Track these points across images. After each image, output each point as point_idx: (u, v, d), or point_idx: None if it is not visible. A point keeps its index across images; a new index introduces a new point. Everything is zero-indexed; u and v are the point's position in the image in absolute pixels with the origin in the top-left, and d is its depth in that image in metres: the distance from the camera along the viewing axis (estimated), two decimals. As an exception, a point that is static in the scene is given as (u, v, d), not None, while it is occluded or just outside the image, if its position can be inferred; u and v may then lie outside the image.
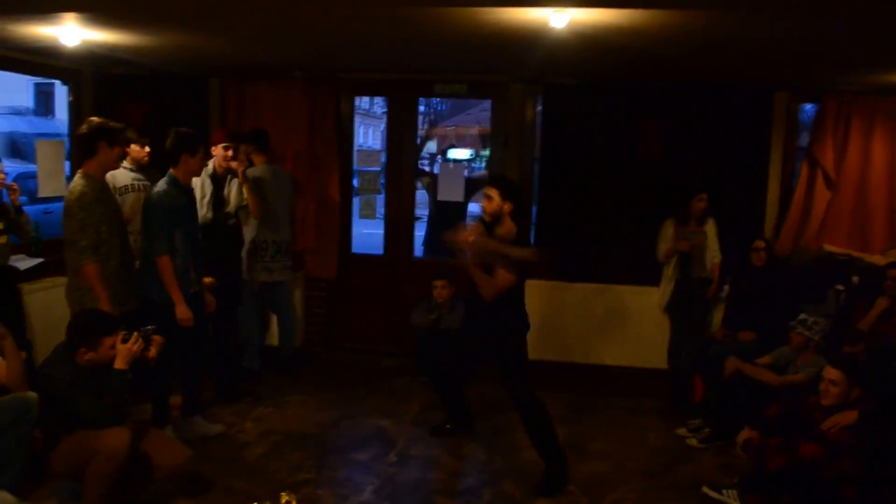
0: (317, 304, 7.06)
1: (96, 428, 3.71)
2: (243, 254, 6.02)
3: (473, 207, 7.24)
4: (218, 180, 5.55)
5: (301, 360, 6.63)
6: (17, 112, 17.41)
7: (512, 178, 5.20)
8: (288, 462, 4.72)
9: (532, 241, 6.73)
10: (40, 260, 5.61)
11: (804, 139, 6.83)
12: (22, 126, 15.07)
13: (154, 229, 4.57)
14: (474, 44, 4.87)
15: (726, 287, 6.06)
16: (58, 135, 12.64)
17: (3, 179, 5.08)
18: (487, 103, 8.11)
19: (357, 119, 7.34)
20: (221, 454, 4.79)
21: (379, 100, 27.39)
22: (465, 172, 7.24)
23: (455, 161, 7.30)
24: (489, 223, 4.46)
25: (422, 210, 7.78)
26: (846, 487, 3.77)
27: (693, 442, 5.20)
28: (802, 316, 4.98)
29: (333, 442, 5.14)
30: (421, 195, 7.84)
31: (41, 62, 6.06)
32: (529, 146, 6.76)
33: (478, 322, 4.60)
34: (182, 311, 4.56)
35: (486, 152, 10.37)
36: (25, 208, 5.33)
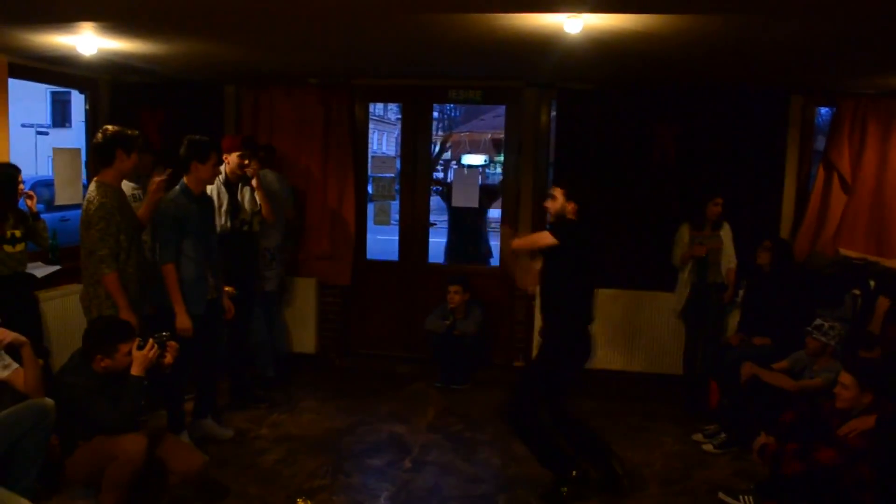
0: (332, 310, 7.07)
1: (113, 434, 3.73)
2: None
3: (493, 213, 7.23)
4: (231, 188, 5.57)
5: (288, 367, 6.55)
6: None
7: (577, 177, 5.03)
8: (303, 468, 4.73)
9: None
10: (57, 267, 5.65)
11: (820, 143, 6.79)
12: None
13: (161, 237, 4.60)
14: (489, 50, 4.87)
15: (742, 292, 6.02)
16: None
17: (22, 188, 5.12)
18: (501, 109, 8.12)
19: (371, 125, 7.34)
20: (237, 460, 4.80)
21: (393, 106, 27.46)
22: (479, 179, 7.21)
23: (469, 167, 7.30)
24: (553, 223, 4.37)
25: (435, 216, 7.78)
26: (863, 494, 3.73)
27: (709, 447, 5.16)
28: (818, 321, 4.95)
29: (349, 448, 5.14)
30: (435, 201, 7.84)
31: (58, 71, 6.12)
32: (543, 151, 6.76)
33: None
34: (182, 321, 4.53)
35: (501, 158, 10.35)
36: (43, 216, 5.36)
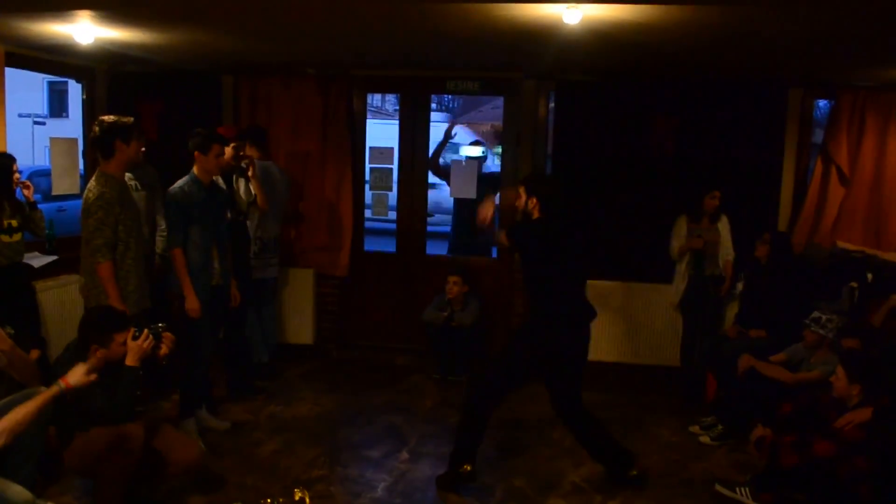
0: (329, 301, 7.06)
1: (110, 425, 3.73)
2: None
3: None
4: (226, 178, 5.56)
5: (275, 365, 6.49)
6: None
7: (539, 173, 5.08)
8: (301, 459, 4.73)
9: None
10: (54, 257, 5.64)
11: (818, 136, 6.79)
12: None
13: (169, 223, 4.76)
14: (487, 40, 4.86)
15: (740, 284, 6.03)
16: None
17: (18, 178, 5.11)
18: (499, 100, 8.09)
19: (368, 116, 7.32)
20: (234, 451, 4.81)
21: (391, 97, 27.42)
22: (478, 170, 7.20)
23: (468, 158, 7.28)
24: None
25: (433, 207, 7.77)
26: (860, 486, 3.74)
27: (706, 439, 5.18)
28: (816, 314, 4.95)
29: (346, 439, 5.15)
30: (433, 193, 7.81)
31: (55, 60, 6.09)
32: (542, 143, 6.75)
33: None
34: (190, 302, 4.69)
35: (499, 149, 10.33)
36: (40, 206, 5.35)
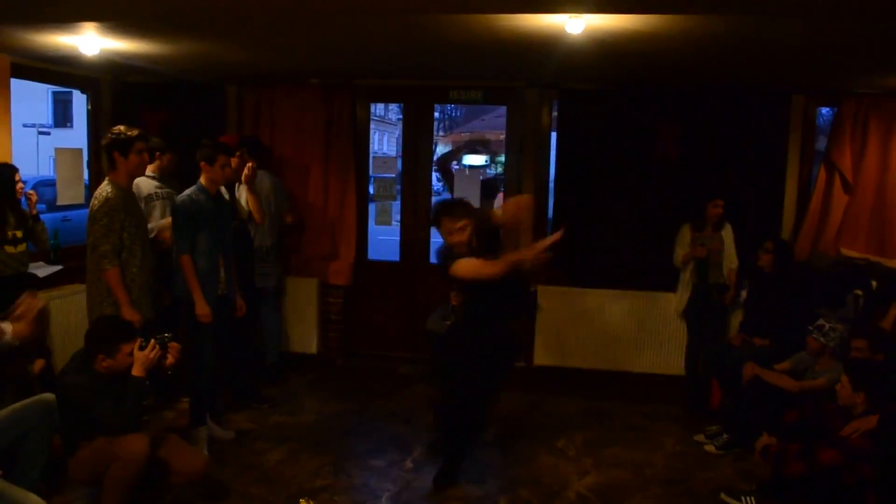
0: (333, 310, 7.06)
1: (115, 434, 3.73)
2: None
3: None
4: (229, 187, 5.58)
5: (283, 367, 6.56)
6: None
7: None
8: (305, 468, 4.73)
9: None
10: (59, 267, 5.65)
11: (821, 143, 6.79)
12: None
13: (176, 231, 4.78)
14: (490, 50, 4.87)
15: (744, 292, 6.02)
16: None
17: (22, 188, 5.12)
18: (502, 109, 8.11)
19: (372, 126, 7.34)
20: (238, 460, 4.80)
21: (394, 106, 27.46)
22: (481, 178, 7.23)
23: (470, 167, 7.29)
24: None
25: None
26: (866, 494, 3.73)
27: (711, 448, 5.16)
28: (820, 321, 4.95)
29: (350, 448, 5.14)
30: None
31: (60, 71, 6.12)
32: (545, 152, 6.75)
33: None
34: (201, 307, 4.71)
35: (502, 158, 10.39)
36: (44, 216, 5.37)
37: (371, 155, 7.17)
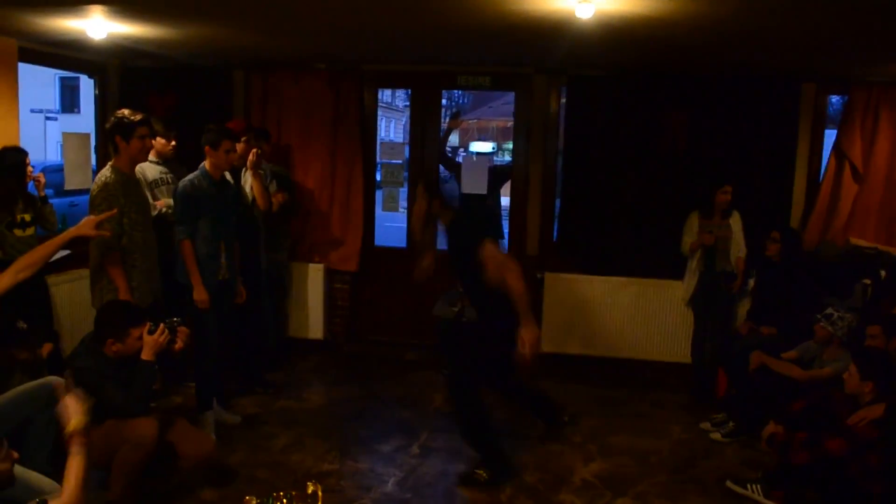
0: (340, 296, 7.08)
1: (124, 418, 3.75)
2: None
3: (504, 201, 7.26)
4: (235, 172, 5.56)
5: (280, 352, 6.55)
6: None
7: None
8: (312, 453, 4.75)
9: (555, 234, 6.75)
10: (67, 252, 5.62)
11: (831, 132, 6.74)
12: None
13: (177, 215, 4.79)
14: (499, 35, 4.85)
15: (751, 281, 6.00)
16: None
17: (31, 172, 5.13)
18: (510, 97, 8.08)
19: (379, 112, 7.33)
20: (245, 445, 4.82)
21: (401, 93, 27.41)
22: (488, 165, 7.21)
23: (478, 154, 7.27)
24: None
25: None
26: (873, 484, 3.72)
27: (717, 436, 5.16)
28: (829, 310, 4.93)
29: (356, 433, 5.15)
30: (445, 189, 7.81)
31: (67, 55, 6.12)
32: (553, 138, 6.73)
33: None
34: (199, 293, 4.73)
35: (510, 145, 10.34)
36: (52, 201, 5.38)
37: (378, 141, 7.15)
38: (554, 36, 4.72)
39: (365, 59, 6.64)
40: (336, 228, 6.90)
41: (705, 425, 5.32)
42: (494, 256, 4.34)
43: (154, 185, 5.50)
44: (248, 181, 5.67)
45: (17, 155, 5.02)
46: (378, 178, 7.32)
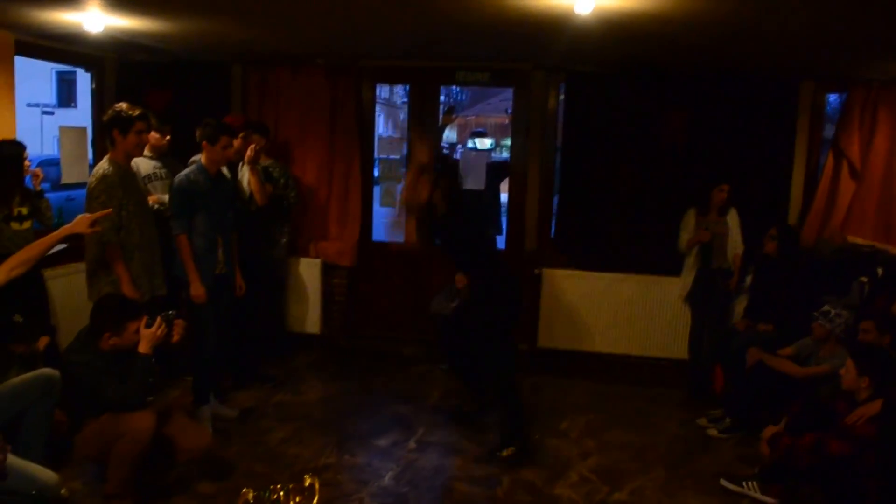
0: (337, 291, 7.06)
1: (122, 412, 3.75)
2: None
3: (502, 197, 7.27)
4: (232, 168, 5.56)
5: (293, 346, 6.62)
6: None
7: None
8: (309, 447, 4.75)
9: (553, 230, 6.76)
10: (64, 245, 5.60)
11: (829, 131, 6.75)
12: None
13: (173, 210, 4.77)
14: (498, 30, 4.85)
15: (749, 278, 6.01)
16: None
17: (28, 166, 5.12)
18: (508, 93, 8.08)
19: (377, 108, 7.32)
20: (242, 439, 4.82)
21: (399, 89, 27.37)
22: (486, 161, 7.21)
23: (477, 150, 7.28)
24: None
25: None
26: (870, 478, 3.72)
27: (713, 432, 5.17)
28: (826, 308, 4.94)
29: (353, 428, 5.15)
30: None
31: (64, 49, 6.10)
32: (551, 135, 6.73)
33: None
34: (195, 288, 4.72)
35: (508, 141, 10.33)
36: (49, 195, 5.37)
37: (376, 136, 7.14)
38: (553, 32, 4.72)
39: (363, 55, 6.63)
40: (333, 223, 6.89)
41: (702, 421, 5.34)
42: None
43: (147, 179, 5.50)
44: (245, 176, 5.67)
45: (14, 148, 5.00)
46: (376, 173, 7.31)
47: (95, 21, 4.89)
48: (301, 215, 6.85)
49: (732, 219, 5.89)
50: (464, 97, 24.65)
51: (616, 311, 6.59)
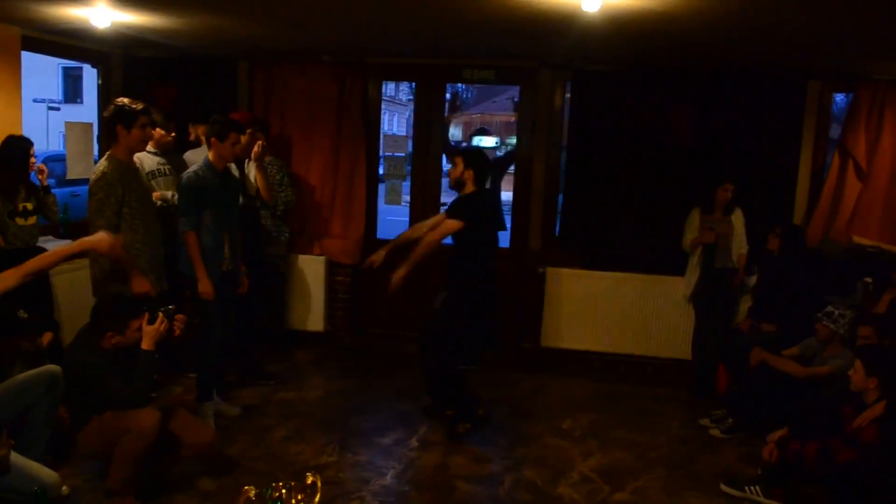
0: (341, 288, 7.07)
1: (126, 409, 3.75)
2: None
3: (506, 196, 7.26)
4: (239, 164, 5.57)
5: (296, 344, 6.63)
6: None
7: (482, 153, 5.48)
8: (311, 445, 4.75)
9: (557, 229, 6.74)
10: (68, 241, 5.66)
11: (835, 131, 6.72)
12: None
13: (181, 207, 4.77)
14: (504, 28, 4.84)
15: (754, 277, 5.99)
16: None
17: (34, 162, 5.13)
18: (513, 91, 8.06)
19: (382, 106, 7.31)
20: (245, 436, 4.82)
21: (404, 86, 27.39)
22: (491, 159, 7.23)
23: (483, 148, 7.29)
24: (454, 187, 5.02)
25: (447, 197, 7.73)
26: (874, 480, 3.71)
27: (716, 432, 5.16)
28: (829, 308, 4.92)
29: (356, 426, 5.15)
30: (446, 182, 7.79)
31: (71, 44, 6.10)
32: (557, 133, 6.72)
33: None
34: (203, 285, 4.71)
35: (513, 140, 10.33)
36: (54, 190, 5.37)
37: (382, 134, 7.13)
38: (560, 30, 4.71)
39: (369, 52, 6.62)
40: (338, 221, 6.89)
41: (705, 421, 5.32)
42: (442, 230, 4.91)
43: (151, 175, 5.50)
44: (251, 172, 5.67)
45: (21, 143, 5.02)
46: (381, 171, 7.30)
47: (102, 16, 4.89)
48: (306, 212, 6.85)
49: (737, 218, 5.87)
50: (469, 95, 24.61)
51: (619, 310, 6.57)
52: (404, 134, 21.28)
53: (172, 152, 5.75)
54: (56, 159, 10.51)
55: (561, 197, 6.75)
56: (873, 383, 3.97)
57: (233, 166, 5.08)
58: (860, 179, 6.23)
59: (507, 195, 7.28)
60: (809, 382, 4.77)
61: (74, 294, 5.54)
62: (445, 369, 5.05)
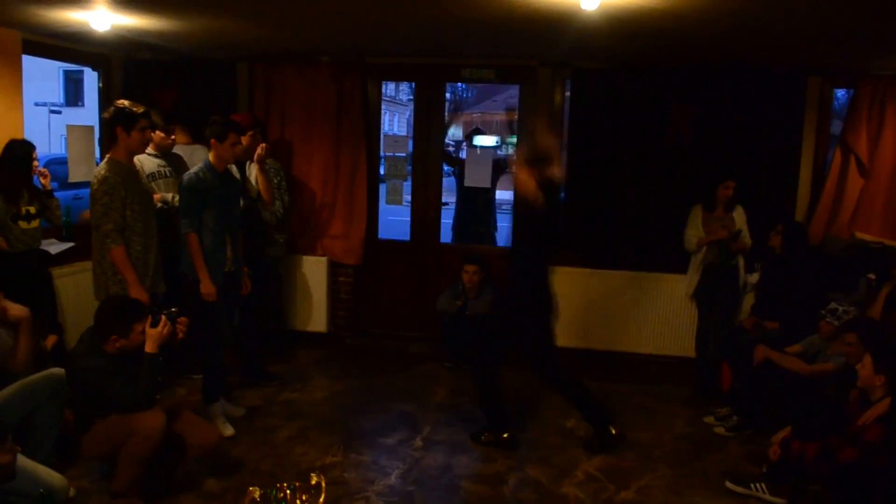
0: (343, 289, 7.08)
1: (131, 412, 3.75)
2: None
3: (502, 196, 7.25)
4: (240, 166, 5.57)
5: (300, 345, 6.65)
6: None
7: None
8: (315, 445, 4.75)
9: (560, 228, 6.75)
10: (71, 244, 5.67)
11: (837, 127, 6.72)
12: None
13: (182, 208, 4.76)
14: (504, 27, 4.84)
15: (756, 275, 5.98)
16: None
17: (36, 166, 5.14)
18: (513, 90, 8.06)
19: (382, 106, 7.31)
20: (249, 437, 4.83)
21: (404, 86, 27.41)
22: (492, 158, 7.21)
23: (482, 148, 7.29)
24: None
25: (447, 196, 7.75)
26: (878, 477, 3.71)
27: (720, 430, 5.16)
28: (833, 305, 4.91)
29: (360, 426, 5.16)
30: (448, 182, 7.80)
31: (71, 48, 6.11)
32: (557, 132, 6.71)
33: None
34: (206, 286, 4.72)
35: (513, 139, 10.32)
36: (56, 194, 5.38)
37: (382, 134, 7.13)
38: (559, 28, 4.71)
39: (369, 52, 6.62)
40: (339, 221, 6.89)
41: (709, 419, 5.32)
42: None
43: (151, 177, 5.51)
44: (252, 174, 5.68)
45: (23, 147, 5.04)
46: (381, 171, 7.30)
47: (102, 20, 4.90)
48: (307, 214, 6.86)
49: (739, 215, 5.86)
50: (469, 94, 24.62)
51: (622, 308, 6.58)
52: (404, 134, 21.28)
53: (172, 154, 5.76)
54: (58, 162, 10.51)
55: (562, 195, 6.74)
56: (881, 381, 3.96)
57: (233, 168, 5.08)
58: (862, 175, 6.22)
59: (507, 195, 7.27)
60: (813, 380, 4.77)
61: (78, 297, 5.56)
62: (561, 377, 4.90)
